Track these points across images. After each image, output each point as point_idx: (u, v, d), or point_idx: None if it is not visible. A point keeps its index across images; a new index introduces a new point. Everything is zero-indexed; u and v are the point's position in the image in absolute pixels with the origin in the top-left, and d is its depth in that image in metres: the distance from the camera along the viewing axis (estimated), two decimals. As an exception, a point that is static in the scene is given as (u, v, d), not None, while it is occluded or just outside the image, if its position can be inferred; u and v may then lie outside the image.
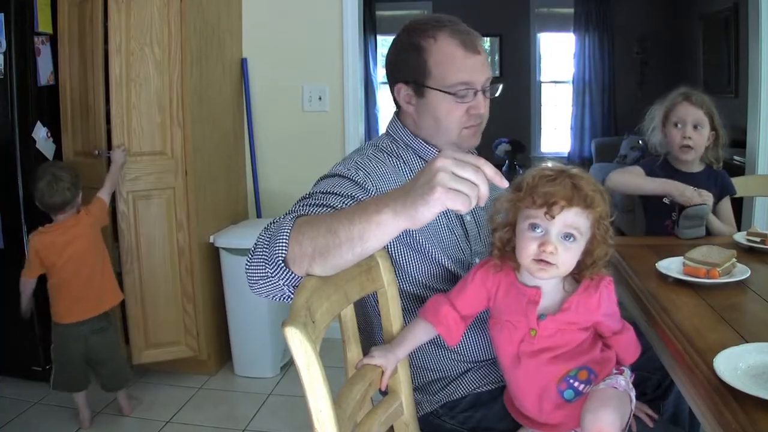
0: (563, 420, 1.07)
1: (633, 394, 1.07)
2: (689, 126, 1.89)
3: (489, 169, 0.87)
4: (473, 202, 0.86)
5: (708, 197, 1.82)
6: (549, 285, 1.06)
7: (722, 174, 2.00)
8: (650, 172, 1.97)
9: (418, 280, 1.25)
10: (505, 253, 1.08)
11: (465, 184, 0.84)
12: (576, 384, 1.06)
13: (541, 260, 1.00)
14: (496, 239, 1.08)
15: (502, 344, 1.11)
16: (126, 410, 2.46)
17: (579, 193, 0.99)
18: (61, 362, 2.33)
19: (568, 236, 1.01)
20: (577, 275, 1.06)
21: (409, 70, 1.27)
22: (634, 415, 1.14)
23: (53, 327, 2.35)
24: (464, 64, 1.25)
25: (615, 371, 1.09)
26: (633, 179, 1.96)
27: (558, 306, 1.05)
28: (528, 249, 1.01)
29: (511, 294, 1.08)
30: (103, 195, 2.39)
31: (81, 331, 2.31)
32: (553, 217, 0.99)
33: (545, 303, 1.06)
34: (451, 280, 1.26)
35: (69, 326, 2.30)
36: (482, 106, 1.29)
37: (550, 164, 1.05)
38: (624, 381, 1.06)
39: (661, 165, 2.00)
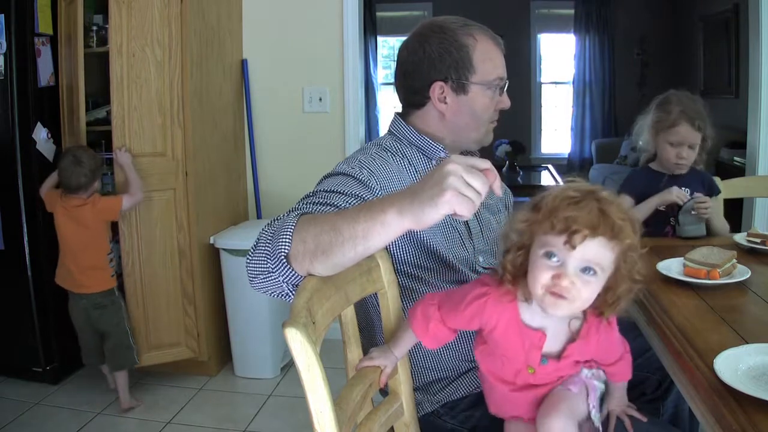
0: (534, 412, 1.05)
1: (597, 383, 1.03)
2: (686, 147, 1.90)
3: (492, 177, 0.89)
4: (476, 210, 0.87)
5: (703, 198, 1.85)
6: (553, 326, 0.96)
7: (707, 175, 2.02)
8: (639, 190, 1.96)
9: (420, 277, 1.25)
10: (517, 277, 0.95)
11: (472, 191, 0.86)
12: None
13: (554, 293, 0.89)
14: (508, 262, 0.94)
15: (492, 370, 1.04)
16: (123, 404, 2.48)
17: (606, 220, 0.86)
18: (77, 331, 2.50)
19: (587, 270, 0.88)
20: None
21: (452, 66, 1.28)
22: (628, 415, 1.14)
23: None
24: (500, 61, 1.32)
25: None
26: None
27: (560, 349, 0.98)
28: (541, 278, 0.89)
29: (511, 333, 0.97)
30: (126, 198, 2.43)
31: (82, 303, 2.44)
32: (574, 248, 0.86)
33: (548, 345, 0.97)
34: (453, 278, 1.26)
35: (72, 294, 2.47)
36: (509, 100, 1.35)
37: (576, 183, 0.91)
38: (585, 373, 1.02)
39: (644, 174, 2.01)
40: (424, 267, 1.25)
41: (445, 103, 1.30)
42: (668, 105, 1.92)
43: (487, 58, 1.29)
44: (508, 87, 1.35)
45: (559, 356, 0.98)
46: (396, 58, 1.37)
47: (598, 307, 0.94)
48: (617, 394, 1.11)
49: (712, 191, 1.99)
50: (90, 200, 2.39)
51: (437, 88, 1.29)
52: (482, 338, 1.04)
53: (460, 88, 1.29)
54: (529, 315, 0.97)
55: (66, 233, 2.43)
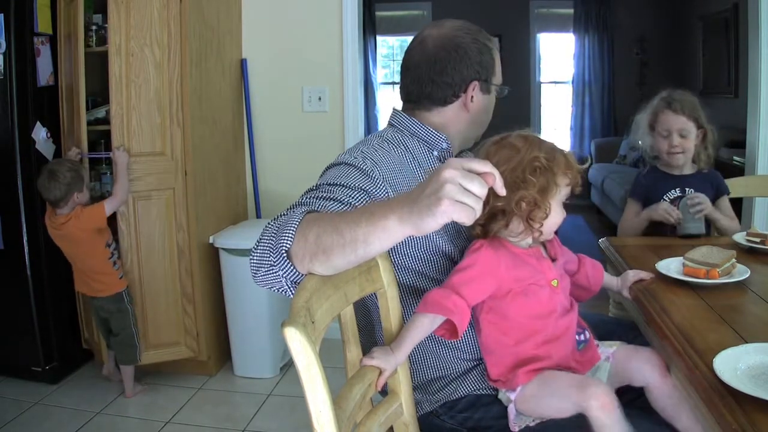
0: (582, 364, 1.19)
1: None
2: (675, 135, 1.90)
3: (491, 180, 0.89)
4: (477, 215, 0.86)
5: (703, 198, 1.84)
6: (528, 242, 1.18)
7: (715, 174, 2.00)
8: (647, 193, 1.97)
9: (419, 271, 1.25)
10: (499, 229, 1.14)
11: (471, 197, 0.84)
12: (578, 335, 1.20)
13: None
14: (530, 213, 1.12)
15: (529, 312, 1.15)
16: (127, 393, 2.58)
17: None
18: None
19: None
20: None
21: (485, 67, 1.35)
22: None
23: None
24: None
25: (582, 329, 1.22)
26: (632, 226, 2.00)
27: (544, 251, 1.21)
28: (561, 218, 1.17)
29: (519, 262, 1.15)
30: (108, 202, 2.42)
31: (94, 303, 2.55)
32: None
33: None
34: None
35: (86, 296, 2.60)
36: None
37: (537, 137, 1.20)
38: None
39: (649, 175, 2.02)
40: (423, 259, 1.25)
41: (472, 102, 1.35)
42: (652, 100, 1.96)
43: (498, 62, 1.39)
44: (507, 87, 1.42)
45: (552, 258, 1.19)
46: (423, 52, 1.34)
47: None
48: (615, 282, 1.44)
49: (721, 191, 1.97)
50: (72, 215, 2.39)
51: (471, 87, 1.34)
52: (505, 290, 1.15)
53: (486, 88, 1.37)
54: (519, 244, 1.17)
55: (62, 248, 2.50)
